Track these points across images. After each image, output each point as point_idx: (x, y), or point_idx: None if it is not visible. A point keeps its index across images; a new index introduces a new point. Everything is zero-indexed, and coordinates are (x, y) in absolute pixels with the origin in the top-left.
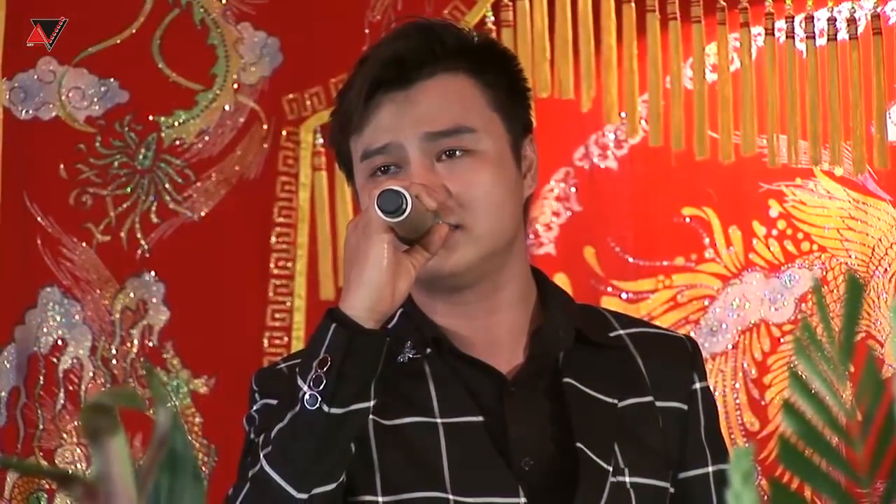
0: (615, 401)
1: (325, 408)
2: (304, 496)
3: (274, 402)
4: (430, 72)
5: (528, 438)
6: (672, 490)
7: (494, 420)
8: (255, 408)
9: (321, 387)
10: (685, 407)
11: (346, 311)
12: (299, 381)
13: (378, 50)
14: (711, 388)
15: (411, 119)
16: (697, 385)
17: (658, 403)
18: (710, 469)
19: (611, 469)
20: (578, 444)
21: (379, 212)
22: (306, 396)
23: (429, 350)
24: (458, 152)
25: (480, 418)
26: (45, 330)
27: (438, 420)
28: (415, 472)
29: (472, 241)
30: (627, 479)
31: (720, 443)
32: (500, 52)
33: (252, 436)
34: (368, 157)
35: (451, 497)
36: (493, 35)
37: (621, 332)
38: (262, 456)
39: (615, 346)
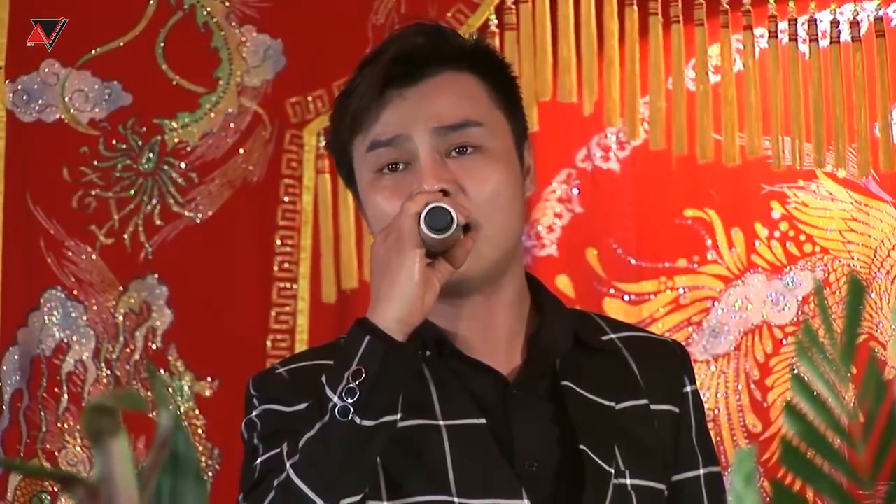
0: (612, 403)
1: (357, 420)
2: None
3: (277, 406)
4: (437, 69)
5: (533, 440)
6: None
7: (496, 422)
8: (254, 413)
9: (354, 398)
10: (677, 410)
11: (377, 322)
12: (328, 392)
13: (383, 50)
14: (714, 391)
15: (421, 113)
16: (688, 388)
17: (652, 406)
18: (700, 472)
19: (613, 471)
20: (582, 447)
21: (426, 229)
22: (337, 407)
23: (428, 353)
24: (468, 149)
25: (483, 420)
26: (48, 332)
27: (441, 422)
28: (419, 474)
29: (485, 244)
30: (628, 482)
31: (709, 445)
32: (498, 57)
33: (256, 441)
34: (375, 149)
35: (456, 500)
36: (497, 38)
37: (612, 336)
38: (288, 465)
39: (609, 349)
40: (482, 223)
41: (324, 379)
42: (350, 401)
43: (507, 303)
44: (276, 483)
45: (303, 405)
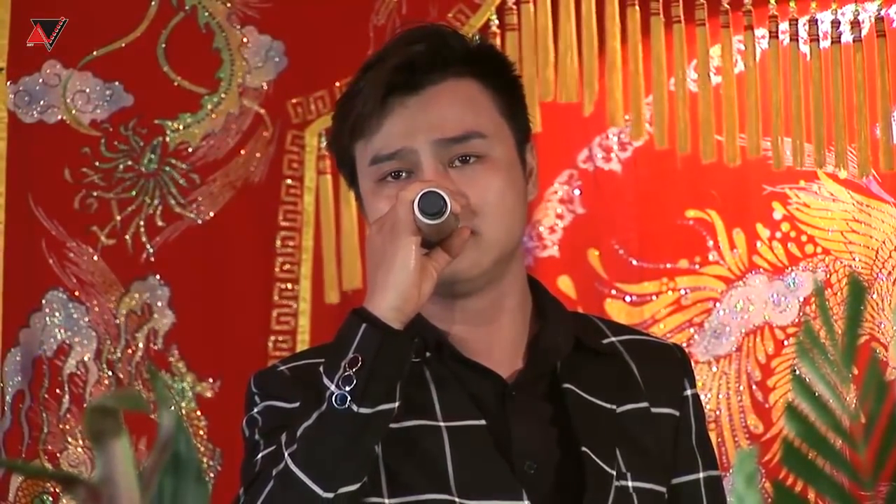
0: (613, 406)
1: (355, 407)
2: (330, 495)
3: (278, 403)
4: (440, 77)
5: (531, 441)
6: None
7: (496, 423)
8: (256, 410)
9: (351, 386)
10: (677, 413)
11: (373, 311)
12: (325, 381)
13: (385, 55)
14: (715, 392)
15: (424, 125)
16: (689, 392)
17: (653, 409)
18: (700, 475)
19: (614, 473)
20: (584, 449)
21: (419, 213)
22: (335, 396)
23: (428, 354)
24: (470, 158)
25: (483, 422)
26: (49, 333)
27: (441, 423)
28: (420, 474)
29: (485, 246)
30: (630, 484)
31: (709, 449)
32: (501, 58)
33: (257, 437)
34: (379, 163)
35: (456, 499)
36: (498, 38)
37: (613, 339)
38: (286, 455)
39: (610, 352)
40: (483, 230)
41: (321, 368)
42: (347, 388)
43: (510, 307)
44: (274, 473)
45: None
